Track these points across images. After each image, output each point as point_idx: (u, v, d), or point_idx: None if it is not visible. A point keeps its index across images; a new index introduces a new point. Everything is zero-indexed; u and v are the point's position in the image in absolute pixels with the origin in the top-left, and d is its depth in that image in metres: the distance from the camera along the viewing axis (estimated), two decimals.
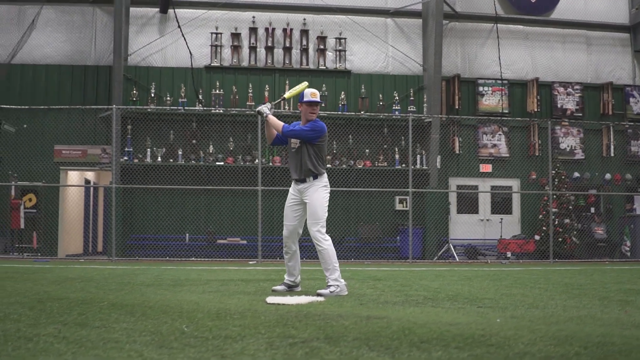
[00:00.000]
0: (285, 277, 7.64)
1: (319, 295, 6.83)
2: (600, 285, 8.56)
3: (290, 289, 7.53)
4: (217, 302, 6.01)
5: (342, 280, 7.19)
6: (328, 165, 18.67)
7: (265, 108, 7.59)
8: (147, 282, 8.65)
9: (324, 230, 7.25)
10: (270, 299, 6.19)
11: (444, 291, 7.57)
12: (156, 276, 9.89)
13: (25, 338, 3.75)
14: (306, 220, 7.38)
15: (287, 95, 8.07)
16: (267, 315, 4.88)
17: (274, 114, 7.66)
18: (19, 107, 17.83)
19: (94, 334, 3.92)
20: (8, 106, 17.54)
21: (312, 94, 7.40)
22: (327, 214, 7.31)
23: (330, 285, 7.07)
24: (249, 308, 5.43)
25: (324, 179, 7.41)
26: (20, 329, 4.11)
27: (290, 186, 7.60)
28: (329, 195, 7.42)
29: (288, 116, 17.18)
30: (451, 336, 3.87)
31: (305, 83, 8.04)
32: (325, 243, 7.16)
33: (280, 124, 7.48)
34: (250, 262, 15.88)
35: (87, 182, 21.59)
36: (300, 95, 7.45)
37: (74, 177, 20.27)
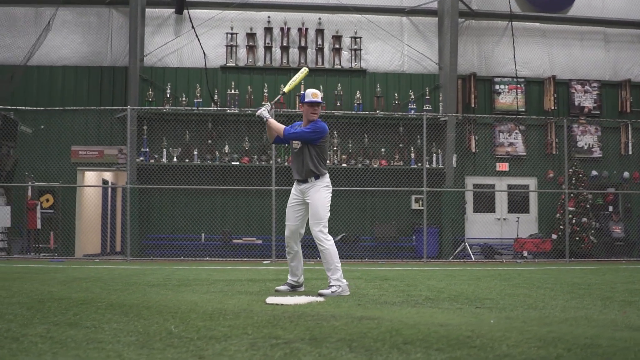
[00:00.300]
0: (289, 277, 7.65)
1: (320, 295, 6.83)
2: (609, 285, 8.46)
3: (294, 289, 7.53)
4: (216, 302, 6.03)
5: (344, 281, 7.18)
6: (343, 165, 18.70)
7: (264, 111, 7.58)
8: (154, 282, 8.69)
9: (326, 230, 7.25)
10: (270, 299, 6.20)
11: (447, 291, 7.53)
12: (165, 276, 9.94)
13: (12, 338, 3.79)
14: (308, 220, 7.39)
15: (287, 88, 8.02)
16: (260, 316, 4.88)
17: (276, 113, 7.66)
18: (36, 108, 18.09)
19: (81, 334, 3.95)
20: (25, 107, 17.80)
21: (313, 94, 7.38)
22: (329, 214, 7.32)
23: (332, 286, 7.06)
24: (245, 308, 5.44)
25: (326, 179, 7.40)
26: (10, 329, 4.16)
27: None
28: (330, 195, 7.42)
29: (299, 116, 17.16)
30: (437, 337, 3.85)
31: (305, 69, 8.01)
32: (327, 243, 7.15)
33: (281, 127, 7.47)
34: (264, 262, 15.91)
35: (105, 182, 21.76)
36: (302, 96, 7.43)
37: (91, 177, 20.44)
